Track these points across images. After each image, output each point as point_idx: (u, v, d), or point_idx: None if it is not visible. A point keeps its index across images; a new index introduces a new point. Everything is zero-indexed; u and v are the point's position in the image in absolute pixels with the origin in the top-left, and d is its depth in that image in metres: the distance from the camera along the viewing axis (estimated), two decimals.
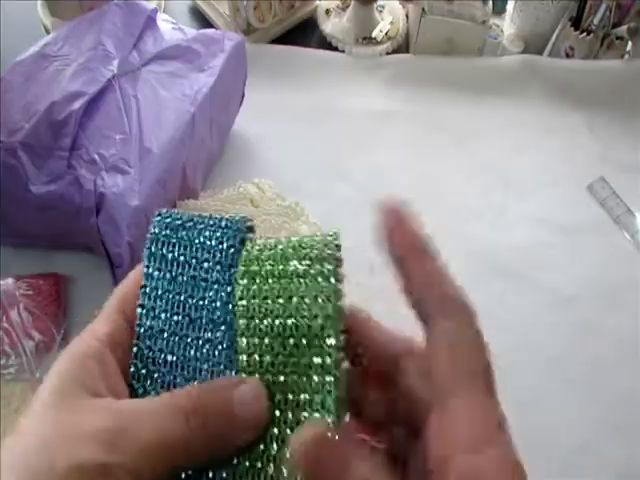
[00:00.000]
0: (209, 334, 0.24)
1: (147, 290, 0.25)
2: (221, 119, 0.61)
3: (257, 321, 0.24)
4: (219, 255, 0.25)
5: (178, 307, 0.25)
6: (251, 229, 0.27)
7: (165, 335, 0.25)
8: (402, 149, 0.68)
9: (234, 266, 0.25)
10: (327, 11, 0.78)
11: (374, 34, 0.75)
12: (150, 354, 0.24)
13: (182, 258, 0.25)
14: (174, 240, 0.26)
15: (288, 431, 0.23)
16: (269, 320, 0.24)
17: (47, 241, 0.55)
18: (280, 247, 0.25)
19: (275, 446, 0.22)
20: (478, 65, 0.74)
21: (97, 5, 0.61)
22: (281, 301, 0.24)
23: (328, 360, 0.23)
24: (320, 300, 0.23)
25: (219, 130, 0.61)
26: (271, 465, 0.22)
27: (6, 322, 0.50)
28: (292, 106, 0.70)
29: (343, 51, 0.75)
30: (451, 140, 0.69)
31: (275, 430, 0.23)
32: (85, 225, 0.47)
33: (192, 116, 0.52)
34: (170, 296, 0.25)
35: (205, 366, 0.24)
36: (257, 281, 0.24)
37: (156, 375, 0.24)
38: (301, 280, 0.24)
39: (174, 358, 0.24)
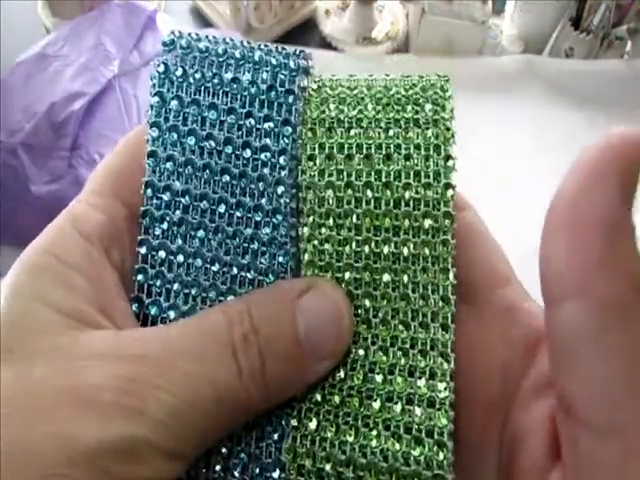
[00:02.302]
0: (255, 228, 0.16)
1: (157, 160, 0.17)
2: None
3: (334, 192, 0.16)
4: (268, 107, 0.17)
5: (206, 187, 0.17)
6: (308, 71, 0.18)
7: (188, 228, 0.17)
8: None
9: (291, 124, 0.17)
10: (327, 11, 0.78)
11: (374, 34, 0.75)
12: (165, 256, 0.17)
13: (210, 112, 0.17)
14: (195, 82, 0.17)
15: (380, 354, 0.16)
16: (355, 189, 0.16)
17: None
18: (365, 86, 0.17)
19: (360, 374, 0.16)
20: (478, 65, 0.74)
21: (97, 5, 0.61)
22: (376, 159, 0.16)
23: (443, 253, 0.16)
24: (434, 162, 0.16)
25: None
26: (355, 400, 0.16)
27: None
28: None
29: (343, 51, 0.75)
30: None
31: (361, 352, 0.16)
32: None
33: None
34: (194, 170, 0.17)
35: (250, 275, 0.16)
36: (335, 132, 0.17)
37: (176, 287, 0.16)
38: (405, 133, 0.16)
39: (202, 262, 0.16)
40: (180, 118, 0.17)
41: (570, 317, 0.12)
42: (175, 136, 0.17)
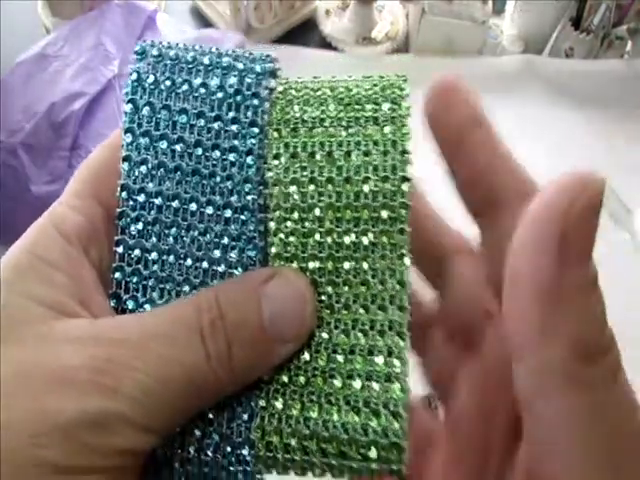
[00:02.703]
0: (225, 224, 0.17)
1: (132, 164, 0.18)
2: None
3: (298, 187, 0.17)
4: (235, 110, 0.18)
5: (178, 187, 0.17)
6: (275, 74, 0.20)
7: (162, 227, 0.17)
8: None
9: (257, 125, 0.18)
10: (327, 11, 0.78)
11: (374, 34, 0.75)
12: (140, 254, 0.17)
13: (181, 116, 0.18)
14: (166, 88, 0.18)
15: (342, 336, 0.17)
16: (317, 184, 0.17)
17: None
18: (329, 87, 0.18)
19: (323, 355, 0.17)
20: (478, 65, 0.74)
21: (97, 5, 0.61)
22: (337, 156, 0.17)
23: (400, 241, 0.17)
24: (391, 156, 0.18)
25: None
26: (319, 379, 0.17)
27: None
28: None
29: (343, 51, 0.75)
30: None
31: (324, 335, 0.17)
32: None
33: None
34: (166, 172, 0.18)
35: (221, 268, 0.17)
36: (299, 131, 0.18)
37: (151, 282, 0.17)
38: (364, 130, 0.18)
39: (175, 259, 0.17)
40: (152, 123, 0.18)
41: (516, 377, 0.14)
42: (148, 141, 0.18)
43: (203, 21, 0.77)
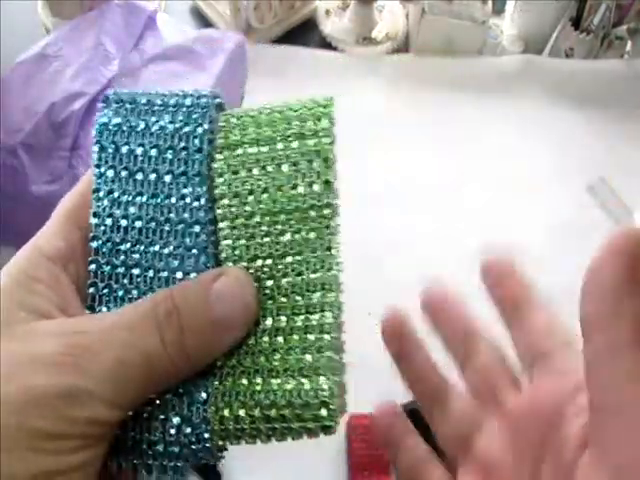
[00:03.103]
0: (181, 238, 0.20)
1: (101, 194, 0.21)
2: None
3: (240, 199, 0.21)
4: (184, 140, 0.21)
5: (140, 210, 0.21)
6: (221, 106, 0.23)
7: (127, 246, 0.21)
8: (401, 149, 0.68)
9: (203, 150, 0.21)
10: (327, 11, 0.78)
11: (374, 34, 0.75)
12: (111, 270, 0.21)
13: (140, 150, 0.21)
14: (127, 128, 0.21)
15: (283, 318, 0.20)
16: (256, 195, 0.21)
17: None
18: (265, 113, 0.22)
19: (266, 338, 0.20)
20: (478, 65, 0.74)
21: (97, 5, 0.61)
22: (270, 169, 0.21)
23: (327, 235, 0.21)
24: (316, 164, 0.21)
25: None
26: (262, 358, 0.20)
27: None
28: None
29: (343, 51, 0.75)
30: (450, 140, 0.69)
31: (268, 321, 0.20)
32: None
33: None
34: (129, 198, 0.21)
35: (179, 275, 0.20)
36: (238, 152, 0.21)
37: (121, 293, 0.20)
38: (292, 145, 0.21)
39: (141, 271, 0.20)
40: (116, 159, 0.21)
41: (585, 356, 0.17)
42: (113, 173, 0.21)
43: (203, 21, 0.77)
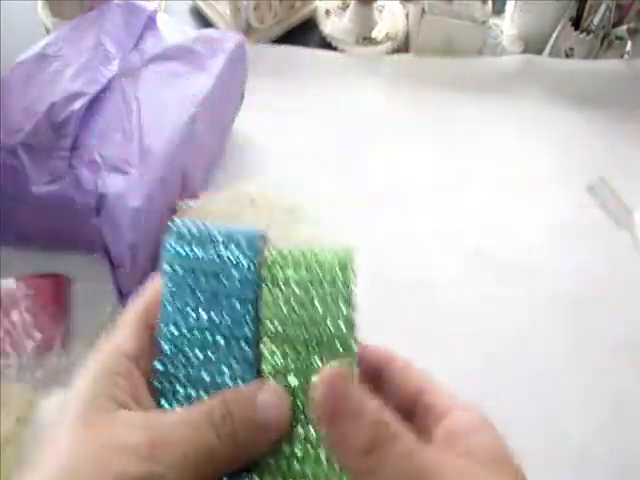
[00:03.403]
0: (232, 350, 0.25)
1: (168, 308, 0.26)
2: (221, 119, 0.61)
3: (281, 325, 0.26)
4: (238, 269, 0.26)
5: (199, 323, 0.25)
6: (264, 238, 0.27)
7: (187, 352, 0.25)
8: (402, 149, 0.68)
9: (253, 280, 0.26)
10: (327, 11, 0.78)
11: (374, 34, 0.75)
12: (174, 371, 0.25)
13: (202, 278, 0.26)
14: (191, 256, 0.26)
15: (311, 431, 0.24)
16: (294, 323, 0.26)
17: (47, 241, 0.55)
18: (302, 256, 0.27)
19: (300, 445, 0.24)
20: (478, 65, 0.74)
21: (97, 5, 0.61)
22: (306, 305, 0.26)
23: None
24: (342, 306, 0.26)
25: (219, 130, 0.61)
26: (294, 463, 0.24)
27: (7, 322, 0.50)
28: (292, 106, 0.70)
29: (343, 51, 0.75)
30: (451, 140, 0.70)
31: (300, 430, 0.24)
32: (86, 225, 0.47)
33: (192, 116, 0.52)
34: (191, 313, 0.26)
35: (229, 381, 0.25)
36: (281, 286, 0.26)
37: (182, 391, 0.25)
38: (324, 288, 0.26)
39: (198, 374, 0.25)
40: (180, 283, 0.26)
41: None
42: (177, 290, 0.26)
43: (203, 21, 0.77)
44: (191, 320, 0.25)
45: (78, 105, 0.50)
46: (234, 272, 0.26)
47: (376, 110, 0.71)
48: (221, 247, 0.26)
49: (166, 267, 0.26)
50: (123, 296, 0.50)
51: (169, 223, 0.26)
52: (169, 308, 0.26)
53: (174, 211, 0.52)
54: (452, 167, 0.67)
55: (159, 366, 0.25)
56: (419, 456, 0.21)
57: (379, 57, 0.75)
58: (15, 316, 0.50)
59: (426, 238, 0.62)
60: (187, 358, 0.25)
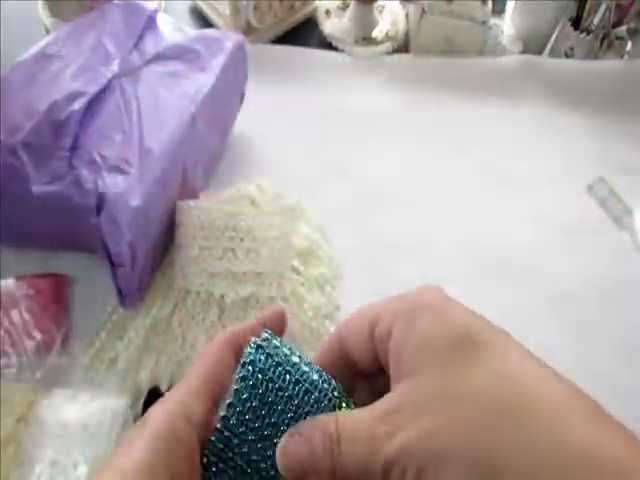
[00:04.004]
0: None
1: (237, 402, 0.26)
2: (221, 119, 0.61)
3: None
4: (304, 412, 0.26)
5: (263, 426, 0.26)
6: (341, 393, 0.27)
7: (241, 440, 0.26)
8: (402, 149, 0.68)
9: (322, 406, 0.26)
10: (327, 11, 0.78)
11: (374, 34, 0.75)
12: (225, 456, 0.26)
13: (276, 395, 0.26)
14: (269, 373, 0.27)
15: None
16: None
17: (48, 241, 0.55)
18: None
19: None
20: (478, 65, 0.74)
21: (97, 5, 0.61)
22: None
23: None
24: None
25: (219, 130, 0.61)
26: None
27: (7, 322, 0.50)
28: (292, 106, 0.70)
29: (343, 51, 0.75)
30: (451, 140, 0.70)
31: None
32: (86, 225, 0.47)
33: (192, 116, 0.52)
34: (258, 414, 0.26)
35: (271, 469, 0.26)
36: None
37: (230, 473, 0.26)
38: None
39: (248, 466, 0.26)
40: (252, 390, 0.26)
41: None
42: (250, 391, 0.26)
43: (203, 21, 0.77)
44: (256, 421, 0.26)
45: (78, 105, 0.50)
46: (305, 405, 0.26)
47: (376, 110, 0.71)
48: (298, 385, 0.26)
49: (241, 375, 0.26)
50: (123, 296, 0.50)
51: (263, 332, 0.27)
52: (235, 403, 0.26)
53: (174, 211, 0.52)
54: (452, 167, 0.67)
55: (219, 448, 0.26)
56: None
57: (379, 57, 0.75)
58: (15, 316, 0.50)
59: (426, 238, 0.62)
60: (240, 444, 0.26)
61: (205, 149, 0.58)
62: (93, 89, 0.51)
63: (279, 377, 0.26)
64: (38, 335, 0.50)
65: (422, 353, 0.20)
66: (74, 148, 0.49)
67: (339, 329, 0.27)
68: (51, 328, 0.50)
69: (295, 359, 0.27)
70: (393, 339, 0.22)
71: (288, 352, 0.27)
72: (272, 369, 0.26)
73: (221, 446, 0.26)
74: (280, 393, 0.26)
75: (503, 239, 0.62)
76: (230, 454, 0.26)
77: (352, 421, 0.22)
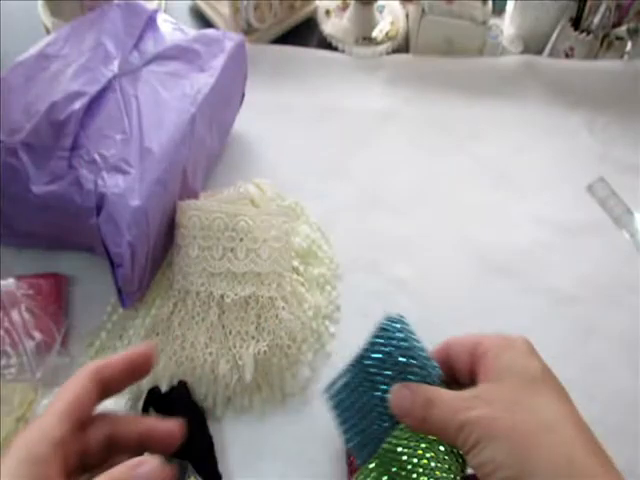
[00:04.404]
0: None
1: (375, 350, 0.32)
2: (221, 119, 0.61)
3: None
4: (415, 377, 0.31)
5: (383, 375, 0.32)
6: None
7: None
8: (402, 149, 0.68)
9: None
10: (327, 11, 0.78)
11: (374, 34, 0.75)
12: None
13: (398, 356, 0.32)
14: (399, 339, 0.32)
15: None
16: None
17: (48, 241, 0.56)
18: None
19: None
20: (478, 65, 0.74)
21: (97, 5, 0.61)
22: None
23: None
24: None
25: (219, 130, 0.61)
26: None
27: (7, 322, 0.50)
28: (292, 106, 0.70)
29: (343, 51, 0.75)
30: (451, 140, 0.70)
31: None
32: (86, 225, 0.48)
33: (192, 116, 0.52)
34: (382, 366, 0.32)
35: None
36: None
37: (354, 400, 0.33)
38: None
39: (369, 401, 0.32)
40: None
41: None
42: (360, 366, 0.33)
43: (203, 21, 0.77)
44: (381, 367, 0.32)
45: (78, 105, 0.50)
46: (418, 372, 0.32)
47: (376, 110, 0.71)
48: (420, 356, 0.32)
49: (385, 326, 0.32)
50: (123, 296, 0.50)
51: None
52: (375, 347, 0.32)
53: (174, 211, 0.52)
54: (452, 167, 0.67)
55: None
56: (450, 406, 0.29)
57: (379, 57, 0.75)
58: (15, 316, 0.50)
59: (426, 237, 0.62)
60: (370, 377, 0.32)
61: (205, 149, 0.58)
62: (93, 89, 0.51)
63: (408, 344, 0.31)
64: (38, 335, 0.50)
65: (506, 372, 0.29)
66: (74, 148, 0.49)
67: (447, 342, 0.33)
68: (51, 328, 0.50)
69: (418, 342, 0.32)
70: (488, 356, 0.30)
71: (415, 335, 0.32)
72: (404, 336, 0.31)
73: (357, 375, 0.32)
74: (406, 353, 0.31)
75: (503, 239, 0.62)
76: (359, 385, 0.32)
77: (445, 393, 0.30)
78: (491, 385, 0.29)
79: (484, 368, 0.30)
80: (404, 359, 0.31)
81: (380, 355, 0.31)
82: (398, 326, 0.32)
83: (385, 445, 0.31)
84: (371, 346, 0.32)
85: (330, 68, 0.74)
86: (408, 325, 0.32)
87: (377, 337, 0.31)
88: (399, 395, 0.30)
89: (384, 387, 0.31)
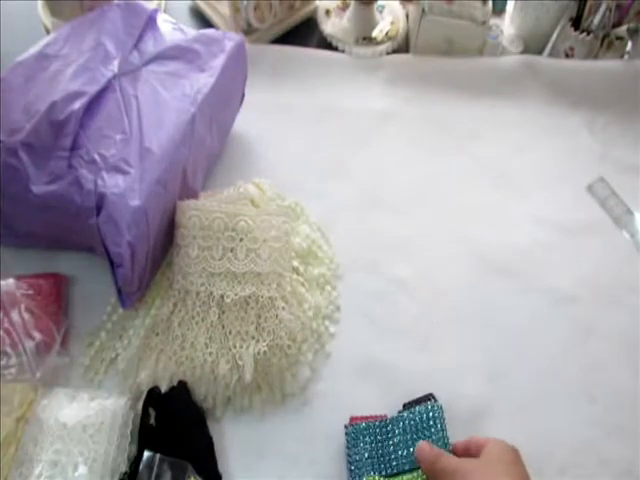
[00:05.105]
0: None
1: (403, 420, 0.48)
2: (221, 119, 0.61)
3: None
4: (432, 439, 0.47)
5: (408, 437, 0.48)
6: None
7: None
8: (402, 149, 0.68)
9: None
10: (327, 11, 0.78)
11: (374, 34, 0.75)
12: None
13: (419, 430, 0.48)
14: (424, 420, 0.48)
15: None
16: None
17: (48, 241, 0.56)
18: None
19: None
20: (478, 65, 0.74)
21: (97, 5, 0.61)
22: None
23: None
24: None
25: (219, 130, 0.61)
26: None
27: (7, 322, 0.50)
28: (292, 106, 0.70)
29: (343, 51, 0.75)
30: (451, 140, 0.70)
31: None
32: (85, 225, 0.48)
33: (192, 116, 0.52)
34: (408, 435, 0.48)
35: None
36: None
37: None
38: None
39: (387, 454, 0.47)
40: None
41: None
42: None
43: (203, 21, 0.77)
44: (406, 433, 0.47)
45: (78, 105, 0.50)
46: (435, 438, 0.47)
47: (376, 110, 0.71)
48: (442, 429, 0.47)
49: (422, 411, 0.47)
50: (123, 296, 0.50)
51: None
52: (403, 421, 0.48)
53: (174, 211, 0.52)
54: (452, 167, 0.67)
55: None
56: (450, 461, 0.43)
57: (379, 57, 0.75)
58: (15, 316, 0.50)
59: (426, 237, 0.62)
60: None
61: (205, 149, 0.58)
62: (93, 89, 0.51)
63: (430, 422, 0.47)
64: (38, 335, 0.50)
65: (487, 460, 0.43)
66: (74, 148, 0.49)
67: (458, 443, 0.47)
68: (51, 328, 0.50)
69: (443, 425, 0.47)
70: (478, 448, 0.44)
71: (444, 426, 0.47)
72: (430, 420, 0.47)
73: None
74: (426, 426, 0.47)
75: (503, 239, 0.62)
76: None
77: (448, 456, 0.44)
78: (475, 461, 0.43)
79: (472, 452, 0.44)
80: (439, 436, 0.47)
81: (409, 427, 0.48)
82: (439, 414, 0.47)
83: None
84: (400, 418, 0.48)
85: (330, 68, 0.74)
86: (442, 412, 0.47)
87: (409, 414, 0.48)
88: (423, 447, 0.45)
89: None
